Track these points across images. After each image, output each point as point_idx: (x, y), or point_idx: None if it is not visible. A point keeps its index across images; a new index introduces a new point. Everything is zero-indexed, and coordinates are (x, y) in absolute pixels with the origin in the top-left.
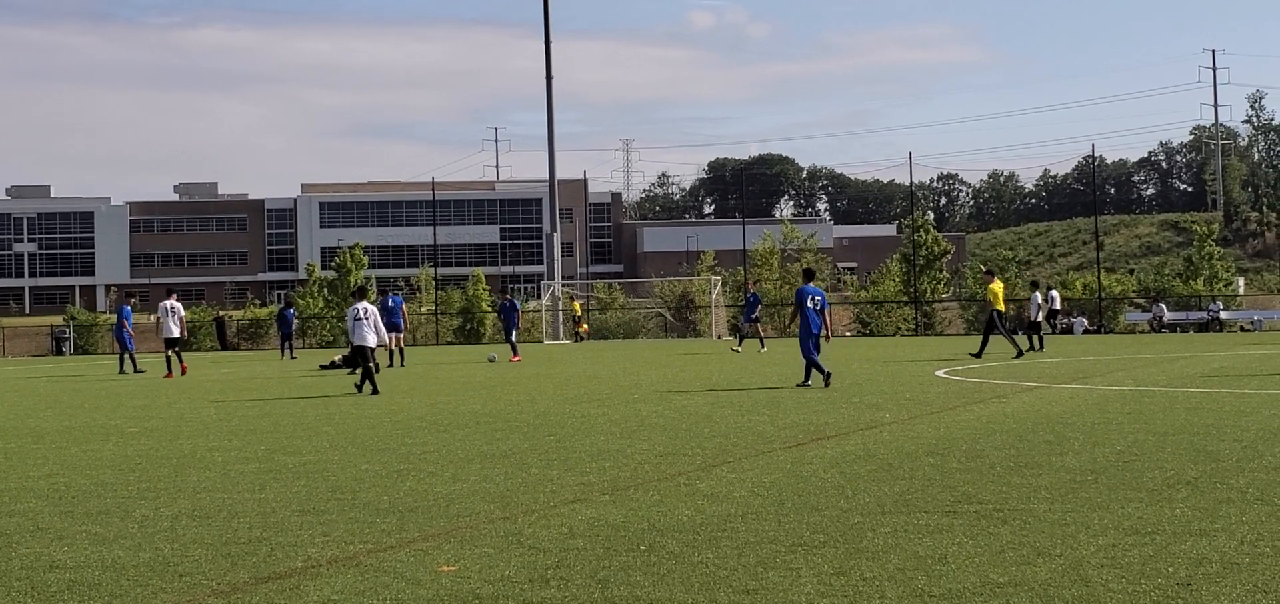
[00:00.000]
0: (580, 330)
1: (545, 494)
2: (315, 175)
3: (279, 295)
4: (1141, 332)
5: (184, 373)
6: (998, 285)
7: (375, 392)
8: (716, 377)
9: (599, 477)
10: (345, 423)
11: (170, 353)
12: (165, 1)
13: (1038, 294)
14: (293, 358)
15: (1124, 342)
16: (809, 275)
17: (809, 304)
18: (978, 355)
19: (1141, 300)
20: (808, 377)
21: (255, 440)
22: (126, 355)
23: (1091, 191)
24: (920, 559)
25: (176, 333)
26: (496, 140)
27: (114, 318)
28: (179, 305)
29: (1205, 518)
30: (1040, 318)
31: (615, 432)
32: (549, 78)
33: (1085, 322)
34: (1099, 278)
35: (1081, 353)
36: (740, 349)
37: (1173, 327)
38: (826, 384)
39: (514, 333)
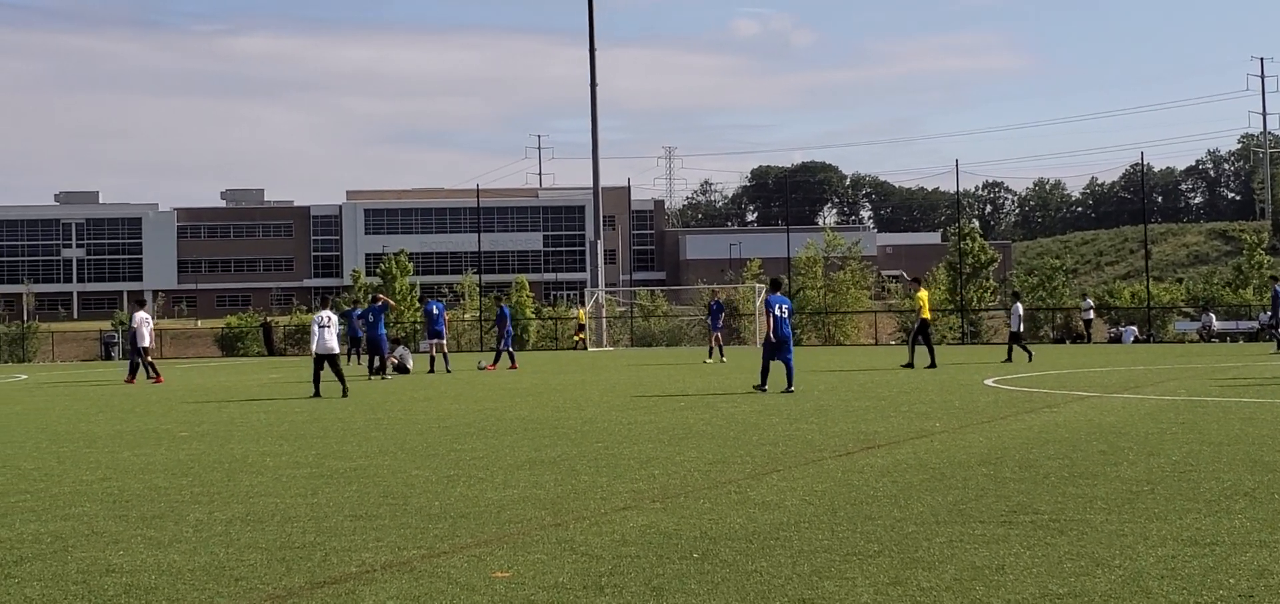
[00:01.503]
0: (577, 338)
1: (596, 501)
2: (359, 182)
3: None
4: (1191, 341)
5: (158, 382)
6: (924, 295)
7: (345, 394)
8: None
9: (649, 484)
10: (394, 428)
11: (139, 360)
12: (211, 9)
13: (1019, 305)
14: (359, 364)
15: (1173, 351)
16: (775, 285)
17: (777, 312)
18: (931, 365)
19: (1190, 309)
20: (789, 383)
21: (305, 445)
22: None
23: (1140, 200)
24: (977, 569)
25: (148, 342)
26: (540, 147)
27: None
28: (149, 316)
29: (1265, 529)
30: (1020, 328)
31: (663, 439)
32: (593, 85)
33: (1135, 331)
34: (1147, 287)
35: (1131, 362)
36: (710, 360)
37: (1222, 336)
38: (788, 390)
39: (507, 340)
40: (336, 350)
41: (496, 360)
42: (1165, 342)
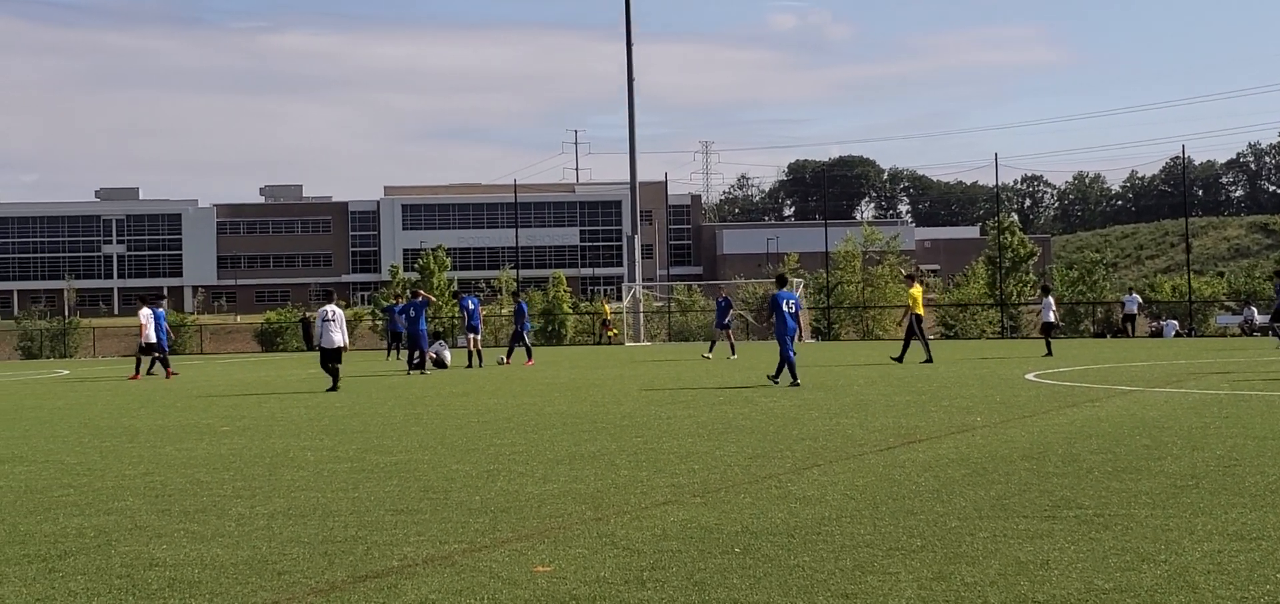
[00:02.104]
0: (609, 334)
1: (636, 495)
2: (397, 178)
3: (364, 296)
4: (1232, 335)
5: (168, 376)
6: (917, 290)
7: (334, 388)
8: (801, 377)
9: (689, 478)
10: (433, 423)
11: (145, 356)
12: (250, 7)
13: (1050, 297)
14: (398, 358)
15: (1214, 345)
16: (782, 281)
17: (784, 308)
18: (927, 360)
19: (1232, 303)
20: (778, 373)
21: (346, 440)
22: (160, 358)
23: (1181, 193)
24: (1022, 564)
25: (154, 338)
26: (576, 143)
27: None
28: (152, 313)
29: None
30: (1052, 319)
31: (702, 433)
32: (630, 80)
33: (1176, 325)
34: (1188, 280)
35: (1173, 356)
36: (710, 356)
37: (1264, 330)
38: (784, 383)
39: (526, 335)
40: (340, 344)
41: (511, 354)
42: (1207, 336)
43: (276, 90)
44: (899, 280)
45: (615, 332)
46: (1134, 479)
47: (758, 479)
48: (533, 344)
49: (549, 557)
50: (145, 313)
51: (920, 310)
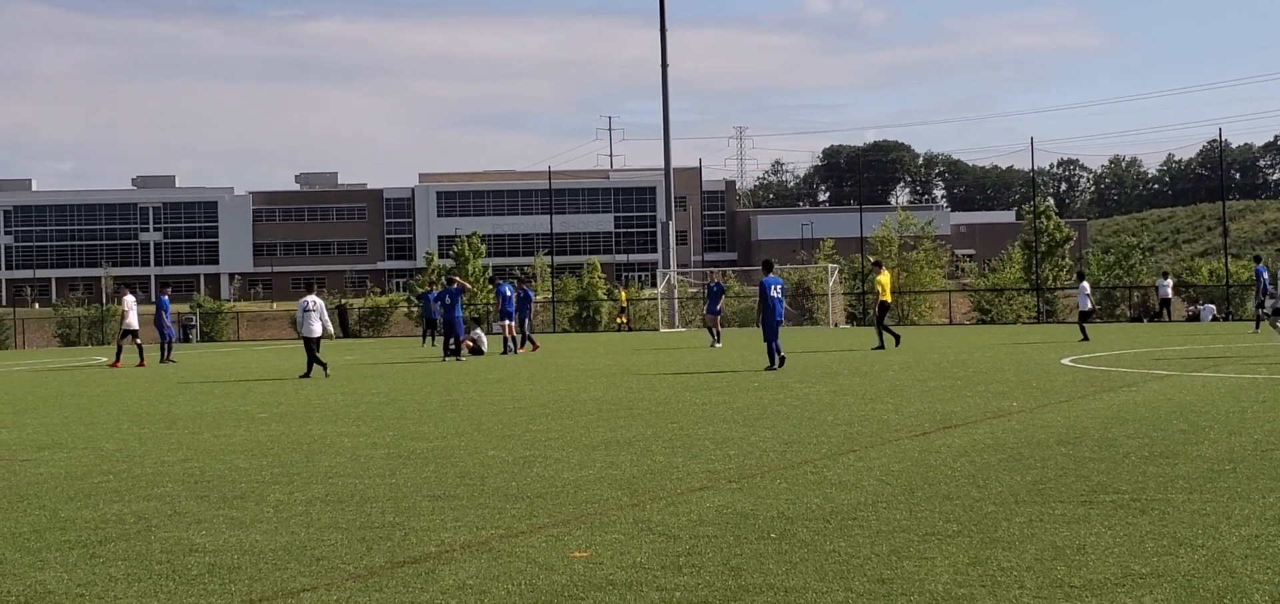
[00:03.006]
0: (619, 321)
1: (672, 481)
2: (432, 165)
3: (399, 283)
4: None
5: (141, 365)
6: (885, 277)
7: (306, 375)
8: (836, 364)
9: (725, 464)
10: (470, 410)
11: (125, 342)
12: None
13: (1086, 284)
14: (433, 345)
15: (1252, 329)
16: (768, 267)
17: (772, 294)
18: (879, 347)
19: (1270, 287)
20: (772, 361)
21: (382, 427)
22: (166, 343)
23: (1218, 177)
24: (1058, 549)
25: (135, 325)
26: (610, 129)
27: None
28: (135, 301)
29: None
30: (1088, 306)
31: (737, 420)
32: (664, 66)
33: (1214, 309)
34: (1226, 264)
35: (1210, 341)
36: (720, 344)
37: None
38: (780, 366)
39: (527, 323)
40: (319, 334)
41: (524, 342)
42: (1244, 319)
43: (312, 78)
44: (931, 264)
45: (624, 320)
46: (1171, 464)
47: (793, 465)
48: (566, 331)
49: (585, 542)
50: (129, 299)
51: (887, 297)
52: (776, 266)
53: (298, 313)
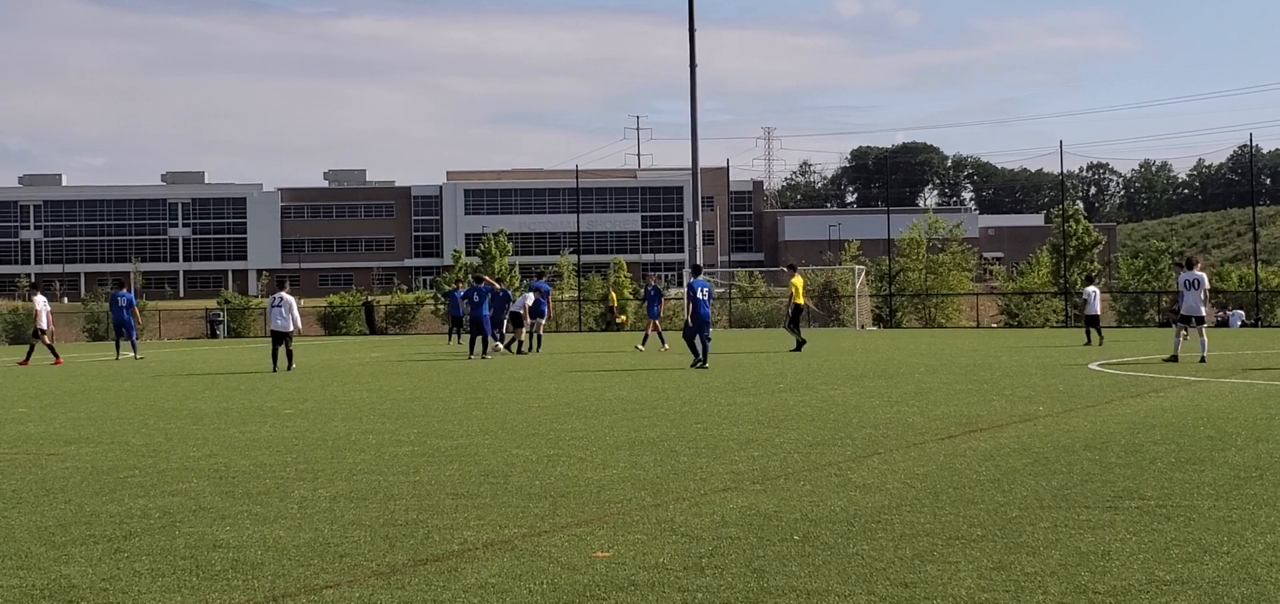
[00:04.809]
0: (619, 320)
1: (695, 482)
2: (460, 163)
3: (426, 280)
4: None
5: (57, 364)
6: (798, 280)
7: (288, 370)
8: (861, 365)
9: (748, 466)
10: (494, 408)
11: (38, 342)
12: None
13: (1094, 288)
14: (459, 342)
15: None
16: (697, 271)
17: (699, 295)
18: (796, 349)
19: None
20: (703, 359)
21: (407, 424)
22: (128, 341)
23: (1248, 182)
24: (1083, 555)
25: (45, 324)
26: (638, 128)
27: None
28: (47, 301)
29: None
30: (1097, 310)
31: (762, 421)
32: (693, 66)
33: (1243, 315)
34: (1255, 270)
35: (1239, 347)
36: (643, 348)
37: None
38: (702, 366)
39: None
40: (288, 330)
41: (538, 342)
42: (1274, 326)
43: (343, 75)
44: (958, 267)
45: (624, 320)
46: (1197, 470)
47: (817, 467)
48: (592, 330)
49: (608, 542)
50: (40, 300)
51: (800, 300)
52: (801, 267)
53: (267, 309)
